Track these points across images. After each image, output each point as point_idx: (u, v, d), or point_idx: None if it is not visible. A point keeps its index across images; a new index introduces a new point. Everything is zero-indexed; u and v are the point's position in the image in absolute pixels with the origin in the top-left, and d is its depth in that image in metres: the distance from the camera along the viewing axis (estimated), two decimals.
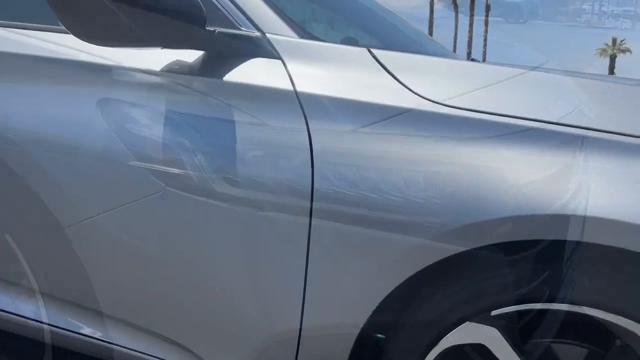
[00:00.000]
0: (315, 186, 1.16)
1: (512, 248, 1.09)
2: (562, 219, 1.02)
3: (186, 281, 1.35)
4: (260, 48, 1.27)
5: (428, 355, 1.17)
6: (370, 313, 1.17)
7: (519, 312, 1.11)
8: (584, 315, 1.07)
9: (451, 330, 1.14)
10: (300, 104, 1.21)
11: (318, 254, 1.19)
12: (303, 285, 1.21)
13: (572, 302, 1.07)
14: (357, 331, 1.19)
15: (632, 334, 1.06)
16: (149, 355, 1.45)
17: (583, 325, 1.15)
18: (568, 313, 1.08)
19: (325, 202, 1.16)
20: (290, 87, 1.22)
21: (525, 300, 1.09)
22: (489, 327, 1.12)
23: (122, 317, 1.47)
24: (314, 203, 1.16)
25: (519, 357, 1.12)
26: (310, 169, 1.16)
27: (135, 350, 1.46)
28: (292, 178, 1.18)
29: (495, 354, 1.13)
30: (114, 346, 1.50)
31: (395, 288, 1.14)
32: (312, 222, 1.17)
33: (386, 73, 1.22)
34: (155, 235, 1.35)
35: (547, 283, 1.09)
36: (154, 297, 1.42)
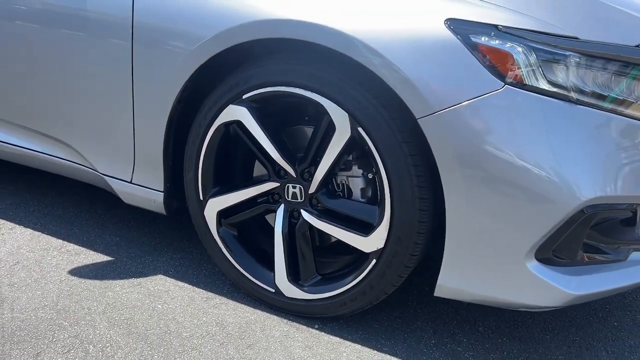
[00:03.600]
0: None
1: (251, 48, 1.63)
2: (271, 23, 1.54)
3: (63, 95, 2.00)
4: None
5: (210, 130, 1.73)
6: (173, 102, 1.74)
7: (262, 96, 1.64)
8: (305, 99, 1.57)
9: (221, 112, 1.69)
10: None
11: (139, 61, 1.78)
12: (131, 85, 1.82)
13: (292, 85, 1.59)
14: (165, 120, 1.77)
15: (322, 106, 1.55)
16: (39, 152, 2.16)
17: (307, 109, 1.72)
18: (290, 97, 1.61)
19: (145, 18, 1.75)
20: None
21: (264, 86, 1.62)
22: (241, 107, 1.66)
23: (20, 123, 2.14)
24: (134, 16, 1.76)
25: (264, 131, 1.66)
26: None
27: (29, 149, 2.18)
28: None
29: (247, 126, 1.68)
30: (15, 147, 2.20)
31: (187, 81, 1.69)
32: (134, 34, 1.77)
33: None
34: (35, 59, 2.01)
35: (276, 71, 1.61)
36: (42, 106, 2.06)
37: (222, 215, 1.79)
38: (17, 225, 2.19)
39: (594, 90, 1.37)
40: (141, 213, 2.30)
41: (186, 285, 1.88)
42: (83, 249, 2.06)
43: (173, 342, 1.59)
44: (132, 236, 2.18)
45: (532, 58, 1.36)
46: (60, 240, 2.11)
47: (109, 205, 2.39)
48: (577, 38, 1.37)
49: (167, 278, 1.92)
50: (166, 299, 1.79)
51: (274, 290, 1.74)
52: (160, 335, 1.62)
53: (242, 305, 1.79)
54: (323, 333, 1.68)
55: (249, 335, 1.65)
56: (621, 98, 1.38)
